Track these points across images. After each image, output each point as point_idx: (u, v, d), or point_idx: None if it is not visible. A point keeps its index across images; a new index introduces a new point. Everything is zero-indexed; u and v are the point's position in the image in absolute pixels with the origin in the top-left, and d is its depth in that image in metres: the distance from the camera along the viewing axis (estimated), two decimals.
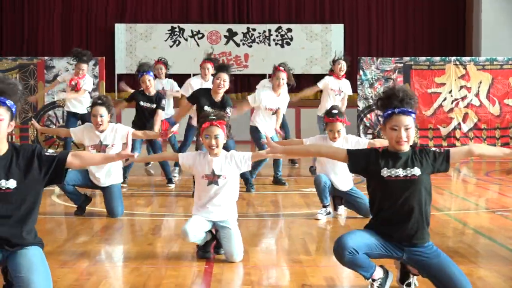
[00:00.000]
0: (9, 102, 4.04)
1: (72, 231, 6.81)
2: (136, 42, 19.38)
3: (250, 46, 19.52)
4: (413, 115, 4.33)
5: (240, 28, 19.60)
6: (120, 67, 19.26)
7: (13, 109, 4.08)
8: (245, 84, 19.53)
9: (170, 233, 6.75)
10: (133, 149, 9.41)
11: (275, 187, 9.91)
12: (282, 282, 4.90)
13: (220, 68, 8.74)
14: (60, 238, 6.40)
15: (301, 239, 6.39)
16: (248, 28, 19.58)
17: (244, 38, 19.55)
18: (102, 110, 7.42)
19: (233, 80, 19.18)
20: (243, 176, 8.92)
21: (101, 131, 7.50)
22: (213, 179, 5.57)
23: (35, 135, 16.34)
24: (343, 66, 11.42)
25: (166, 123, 7.22)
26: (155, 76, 10.72)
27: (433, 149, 4.46)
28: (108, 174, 7.50)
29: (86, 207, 7.62)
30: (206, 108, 8.37)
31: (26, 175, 4.00)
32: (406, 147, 4.36)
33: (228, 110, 8.43)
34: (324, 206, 7.37)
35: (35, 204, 4.10)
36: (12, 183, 3.96)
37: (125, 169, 9.74)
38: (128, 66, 19.32)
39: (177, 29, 19.48)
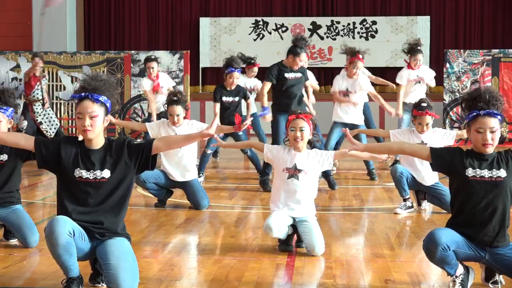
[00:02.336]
0: (102, 98, 4.22)
1: (156, 222, 6.92)
2: (221, 36, 19.52)
3: (334, 39, 19.38)
4: (499, 117, 4.23)
5: (324, 21, 19.49)
6: (205, 61, 19.45)
7: (107, 104, 4.25)
8: (328, 77, 19.40)
9: (253, 225, 6.78)
10: (210, 141, 9.50)
11: (357, 181, 9.84)
12: (365, 277, 4.85)
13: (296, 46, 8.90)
14: (145, 229, 6.51)
15: (384, 234, 6.32)
16: (332, 21, 19.46)
17: (328, 31, 19.44)
18: (179, 110, 7.42)
19: (317, 73, 19.12)
20: (325, 176, 8.84)
21: (177, 127, 7.53)
22: (294, 173, 5.56)
23: (121, 128, 16.68)
24: (419, 61, 11.08)
25: (238, 116, 7.30)
26: (243, 72, 11.05)
27: None
28: (183, 171, 7.55)
29: (169, 199, 7.75)
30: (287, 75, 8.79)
31: (118, 164, 4.24)
32: (491, 150, 4.27)
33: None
34: (404, 200, 7.27)
35: (127, 192, 4.33)
36: (106, 173, 4.22)
37: (202, 162, 9.76)
38: (212, 60, 19.49)
39: (261, 23, 19.53)
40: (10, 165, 5.58)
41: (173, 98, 7.47)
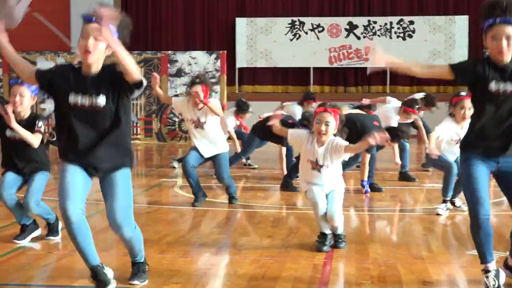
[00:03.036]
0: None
1: (194, 222, 6.94)
2: (257, 36, 19.55)
3: (371, 39, 19.30)
4: None
5: (360, 20, 19.43)
6: (241, 61, 19.48)
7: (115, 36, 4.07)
8: (365, 77, 19.35)
9: (289, 226, 6.76)
10: (248, 148, 9.96)
11: (394, 182, 9.77)
12: (403, 278, 4.81)
13: None
14: (182, 229, 6.53)
15: (422, 235, 6.26)
16: (369, 20, 19.38)
17: (365, 31, 19.37)
18: (199, 89, 7.63)
19: (354, 73, 19.05)
20: (372, 188, 8.81)
21: (199, 109, 7.72)
22: (316, 167, 5.60)
23: (158, 128, 16.80)
24: None
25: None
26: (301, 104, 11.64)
27: None
28: (211, 144, 7.75)
29: (206, 198, 7.80)
30: None
31: (114, 90, 4.16)
32: (507, 58, 4.16)
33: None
34: (445, 201, 7.21)
35: (126, 122, 4.28)
36: (102, 100, 4.16)
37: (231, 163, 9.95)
38: (249, 60, 19.52)
39: (297, 23, 19.52)
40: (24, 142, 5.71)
41: (196, 80, 7.77)
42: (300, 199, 8.25)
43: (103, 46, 4.13)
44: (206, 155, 7.78)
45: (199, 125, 7.74)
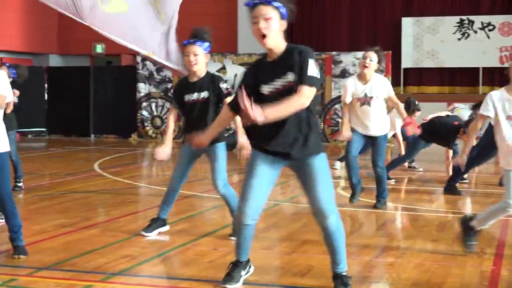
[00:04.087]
0: (275, 3, 4.11)
1: (357, 223, 6.89)
2: (423, 36, 19.14)
3: None
4: None
5: None
6: (407, 61, 19.15)
7: (282, 10, 4.14)
8: None
9: (455, 230, 6.56)
10: (413, 151, 9.94)
11: None
12: None
13: None
14: (345, 230, 6.48)
15: None
16: None
17: None
18: (372, 55, 7.29)
19: None
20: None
21: (366, 82, 7.35)
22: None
23: (322, 128, 16.85)
24: None
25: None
26: None
27: None
28: (377, 124, 7.39)
29: (367, 200, 7.72)
30: None
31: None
32: None
33: None
34: None
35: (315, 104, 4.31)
36: (291, 76, 4.09)
37: (393, 164, 9.93)
38: (415, 60, 19.15)
39: (466, 21, 18.93)
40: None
41: (369, 48, 7.42)
42: (476, 203, 7.99)
43: (276, 24, 4.11)
44: (368, 132, 7.48)
45: (365, 101, 7.40)
